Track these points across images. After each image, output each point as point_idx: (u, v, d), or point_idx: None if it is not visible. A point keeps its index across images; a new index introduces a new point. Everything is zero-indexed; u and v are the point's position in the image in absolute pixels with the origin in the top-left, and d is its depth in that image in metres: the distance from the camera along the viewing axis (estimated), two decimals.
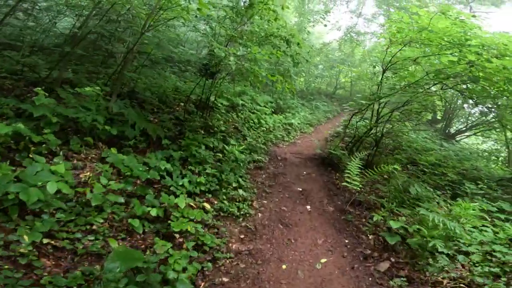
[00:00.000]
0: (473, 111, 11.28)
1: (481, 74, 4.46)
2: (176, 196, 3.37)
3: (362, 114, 6.24)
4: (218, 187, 3.97)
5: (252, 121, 6.93)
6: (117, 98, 4.30)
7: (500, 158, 10.31)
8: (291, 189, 4.83)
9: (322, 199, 4.63)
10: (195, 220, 3.14)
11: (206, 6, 3.51)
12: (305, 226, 3.95)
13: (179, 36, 9.42)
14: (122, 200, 3.00)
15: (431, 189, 5.25)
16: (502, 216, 4.20)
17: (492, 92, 4.87)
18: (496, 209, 4.52)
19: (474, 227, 3.63)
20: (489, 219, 3.90)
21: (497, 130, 9.11)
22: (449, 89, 5.59)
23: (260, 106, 7.89)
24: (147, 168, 3.49)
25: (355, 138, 6.25)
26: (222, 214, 3.71)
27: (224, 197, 3.87)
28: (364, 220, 4.24)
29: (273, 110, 8.57)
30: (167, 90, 6.17)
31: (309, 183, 5.10)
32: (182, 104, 6.15)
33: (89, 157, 3.48)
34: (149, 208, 2.96)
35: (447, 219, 3.21)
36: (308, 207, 4.43)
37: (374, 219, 3.77)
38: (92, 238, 2.60)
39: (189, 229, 2.91)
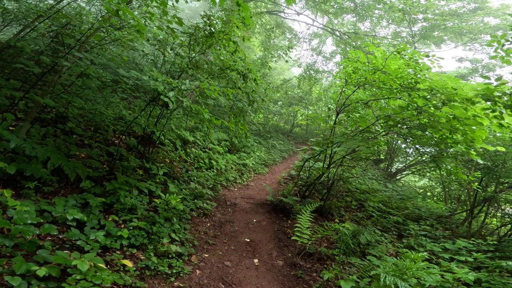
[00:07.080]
0: (410, 150, 12.32)
1: (426, 120, 4.37)
2: (84, 253, 2.68)
3: (315, 160, 6.17)
4: (147, 240, 3.30)
5: (202, 161, 6.32)
6: (30, 126, 3.55)
7: (435, 193, 11.28)
8: (238, 240, 4.31)
9: (271, 251, 4.17)
10: (101, 285, 2.44)
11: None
12: (250, 285, 3.43)
13: (135, 59, 8.87)
14: None
15: (379, 232, 5.35)
16: (447, 256, 4.31)
17: (435, 139, 4.75)
18: (441, 249, 4.63)
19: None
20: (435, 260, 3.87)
21: (431, 167, 9.83)
22: (395, 134, 5.75)
23: (213, 144, 7.39)
24: (43, 220, 2.76)
25: (308, 183, 6.08)
26: (147, 273, 3.04)
27: (152, 253, 3.20)
28: (315, 274, 3.88)
29: (227, 148, 8.05)
30: (107, 118, 5.43)
31: (259, 232, 4.62)
32: (124, 136, 5.46)
33: None
34: (35, 267, 2.24)
35: (398, 278, 3.00)
36: (256, 260, 3.94)
37: (325, 277, 3.43)
38: None
39: None
